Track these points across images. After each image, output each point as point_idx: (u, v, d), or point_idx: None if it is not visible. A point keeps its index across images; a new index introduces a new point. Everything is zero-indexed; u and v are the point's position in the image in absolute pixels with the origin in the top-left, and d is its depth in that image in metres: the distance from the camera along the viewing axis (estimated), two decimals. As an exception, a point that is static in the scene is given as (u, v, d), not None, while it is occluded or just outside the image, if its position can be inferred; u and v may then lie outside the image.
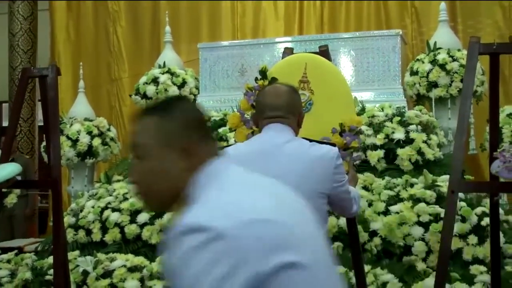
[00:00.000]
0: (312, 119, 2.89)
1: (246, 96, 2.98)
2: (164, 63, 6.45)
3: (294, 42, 5.87)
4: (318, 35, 6.64)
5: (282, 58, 3.10)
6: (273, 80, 2.94)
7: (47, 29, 9.92)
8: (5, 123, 10.85)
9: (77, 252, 4.14)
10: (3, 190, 3.94)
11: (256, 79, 2.98)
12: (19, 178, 5.53)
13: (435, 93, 5.25)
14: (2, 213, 5.27)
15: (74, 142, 5.55)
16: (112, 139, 5.81)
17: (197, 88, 6.24)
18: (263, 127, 2.27)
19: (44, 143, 6.07)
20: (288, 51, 3.14)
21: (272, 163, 2.07)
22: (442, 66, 5.23)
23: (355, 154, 2.90)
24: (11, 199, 5.24)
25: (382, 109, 4.93)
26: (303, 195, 1.70)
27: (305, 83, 2.94)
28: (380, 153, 4.51)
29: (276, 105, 2.26)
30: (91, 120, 5.88)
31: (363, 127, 4.64)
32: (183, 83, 6.20)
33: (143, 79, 6.35)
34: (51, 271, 3.76)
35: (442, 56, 5.27)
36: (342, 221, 3.75)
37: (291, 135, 2.24)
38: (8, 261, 4.18)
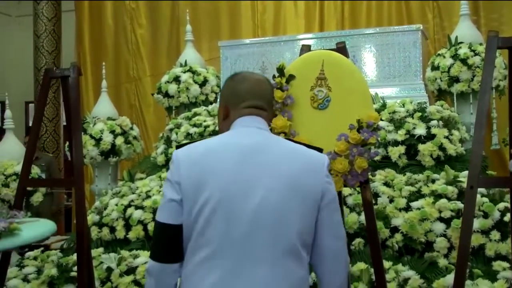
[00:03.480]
0: (329, 116, 2.90)
1: (265, 93, 3.00)
2: (186, 61, 6.49)
3: (315, 39, 5.88)
4: (338, 32, 6.64)
5: (300, 55, 3.11)
6: (291, 77, 2.96)
7: (71, 30, 10.05)
8: (31, 123, 11.01)
9: (101, 249, 4.20)
10: (29, 188, 4.02)
11: (273, 76, 3.00)
12: (43, 175, 5.63)
13: (456, 88, 5.22)
14: (29, 211, 5.36)
15: (98, 141, 5.62)
16: (135, 137, 5.87)
17: (218, 86, 6.28)
18: (239, 117, 1.99)
19: (68, 143, 6.17)
20: (305, 48, 3.14)
21: (258, 162, 1.85)
22: (464, 61, 5.20)
23: (373, 151, 2.90)
24: (37, 197, 5.33)
25: (403, 105, 4.92)
26: (289, 200, 1.81)
27: (323, 80, 2.95)
28: (401, 149, 4.51)
29: (257, 93, 2.02)
30: (114, 119, 5.95)
31: (384, 123, 4.64)
32: (205, 82, 6.25)
33: (165, 77, 6.41)
34: (76, 268, 3.83)
35: (463, 51, 5.24)
36: (363, 217, 3.76)
37: (268, 131, 2.01)
38: (35, 258, 4.25)
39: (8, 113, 5.93)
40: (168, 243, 1.85)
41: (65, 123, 3.48)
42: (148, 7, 9.13)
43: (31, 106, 11.44)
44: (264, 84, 2.05)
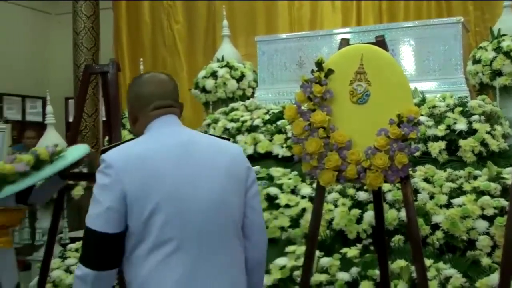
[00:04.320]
0: (369, 110, 2.87)
1: (303, 88, 2.98)
2: (223, 57, 6.50)
3: (352, 33, 5.83)
4: (376, 26, 6.57)
5: (339, 49, 3.08)
6: (330, 71, 2.94)
7: (108, 27, 10.16)
8: (71, 119, 11.21)
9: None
10: (70, 182, 4.07)
11: (312, 71, 2.97)
12: (85, 170, 5.71)
13: (499, 81, 5.11)
14: (70, 204, 5.44)
15: (137, 136, 5.65)
16: (173, 133, 5.91)
17: (255, 81, 6.28)
18: (152, 120, 2.04)
19: (107, 138, 6.24)
20: (344, 42, 3.11)
21: (197, 157, 1.97)
22: (507, 54, 5.08)
23: (413, 146, 2.86)
24: (78, 191, 5.41)
25: (444, 99, 4.84)
26: (227, 190, 1.98)
27: (362, 74, 2.92)
28: (442, 144, 4.43)
29: (164, 93, 2.08)
30: (152, 115, 6.00)
31: (424, 118, 4.57)
32: (242, 77, 6.25)
33: (202, 73, 6.43)
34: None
35: (506, 43, 5.12)
36: (403, 213, 3.72)
37: (185, 127, 2.10)
38: (76, 250, 4.32)
39: (49, 108, 6.04)
40: (106, 251, 1.88)
41: (104, 119, 3.53)
42: (184, 3, 9.18)
43: (71, 102, 11.61)
44: (167, 83, 2.11)
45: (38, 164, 2.94)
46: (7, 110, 11.95)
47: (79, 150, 3.23)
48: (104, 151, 1.97)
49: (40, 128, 7.97)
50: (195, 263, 1.88)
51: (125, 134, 5.52)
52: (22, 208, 3.18)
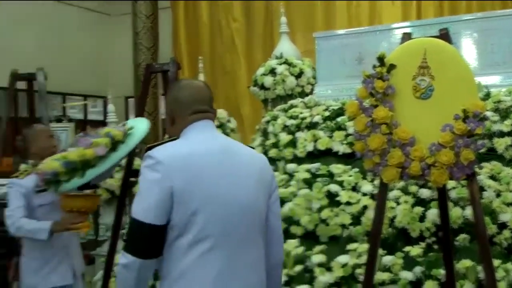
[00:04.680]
0: (432, 105, 2.82)
1: (364, 84, 2.95)
2: (281, 54, 6.49)
3: (412, 27, 5.71)
4: (437, 19, 6.42)
5: (401, 44, 3.03)
6: (392, 67, 2.90)
7: (167, 27, 10.30)
8: (131, 117, 11.41)
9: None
10: (132, 179, 4.16)
11: (374, 66, 2.94)
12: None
13: None
14: (132, 201, 5.55)
15: (196, 134, 5.70)
16: (232, 130, 5.94)
17: (314, 78, 6.24)
18: (190, 123, 2.20)
19: (166, 135, 6.32)
20: (406, 37, 3.06)
21: (234, 163, 2.16)
22: None
23: (479, 142, 2.78)
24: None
25: (509, 94, 4.69)
26: (259, 192, 2.18)
27: (425, 68, 2.87)
28: (508, 140, 4.30)
29: (201, 99, 2.24)
30: (211, 112, 6.04)
31: (489, 113, 4.45)
32: (301, 73, 6.23)
33: (261, 70, 6.44)
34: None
35: None
36: (468, 211, 3.64)
37: (219, 133, 2.32)
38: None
39: (110, 107, 6.17)
40: (152, 241, 2.04)
41: (163, 117, 3.58)
42: (242, 2, 9.21)
43: (131, 101, 11.84)
44: (204, 90, 2.28)
45: (115, 145, 3.02)
46: (69, 109, 12.28)
47: (142, 124, 3.31)
48: (149, 149, 2.13)
49: (101, 126, 8.15)
50: (230, 260, 2.06)
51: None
52: (98, 193, 3.28)
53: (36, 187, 3.50)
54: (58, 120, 9.38)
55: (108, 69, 12.53)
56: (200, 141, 2.15)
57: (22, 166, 5.69)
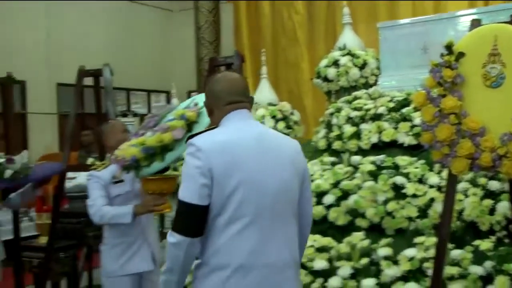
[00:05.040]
0: (504, 94, 2.74)
1: (432, 73, 2.90)
2: (344, 45, 6.43)
3: (480, 14, 5.55)
4: (506, 4, 6.21)
5: (469, 31, 2.95)
6: (460, 55, 2.83)
7: (228, 20, 10.36)
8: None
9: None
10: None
11: (441, 54, 2.87)
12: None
13: None
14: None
15: (259, 126, 5.72)
16: (295, 122, 5.93)
17: (378, 68, 6.16)
18: (227, 113, 2.36)
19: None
20: (475, 23, 2.98)
21: (268, 149, 2.30)
22: None
23: (555, 132, 2.68)
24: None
25: None
26: (293, 175, 2.32)
27: (496, 55, 2.78)
28: None
29: (235, 90, 2.39)
30: (274, 105, 6.05)
31: None
32: (364, 64, 6.16)
33: (324, 62, 6.39)
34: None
35: None
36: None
37: (255, 120, 2.44)
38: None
39: (174, 101, 6.25)
40: (199, 221, 2.23)
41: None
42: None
43: (193, 95, 11.98)
44: (238, 81, 2.43)
45: (190, 126, 3.05)
46: (133, 104, 12.55)
47: (206, 118, 3.34)
48: (190, 137, 2.32)
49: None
50: (265, 236, 2.23)
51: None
52: (175, 175, 3.35)
53: (113, 179, 3.62)
54: (124, 115, 9.61)
55: (171, 64, 12.71)
56: (236, 129, 2.32)
57: (90, 160, 5.88)
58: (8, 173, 3.45)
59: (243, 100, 2.39)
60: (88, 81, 4.52)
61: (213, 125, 2.44)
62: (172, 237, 2.24)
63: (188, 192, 2.22)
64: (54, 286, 5.17)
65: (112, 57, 6.86)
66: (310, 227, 2.53)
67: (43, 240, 4.99)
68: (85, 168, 4.98)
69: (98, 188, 3.64)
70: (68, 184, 5.38)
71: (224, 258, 2.21)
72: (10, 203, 3.97)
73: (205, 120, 3.12)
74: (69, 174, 5.11)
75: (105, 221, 3.57)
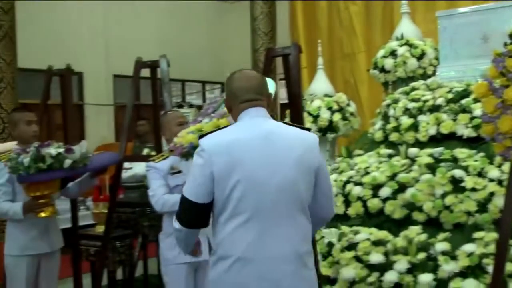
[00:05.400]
0: None
1: (494, 63, 2.80)
2: (402, 35, 6.31)
3: (543, 2, 5.34)
4: None
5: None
6: (524, 44, 2.72)
7: (284, 11, 10.32)
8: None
9: (321, 224, 4.26)
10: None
11: (505, 44, 2.77)
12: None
13: None
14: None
15: (315, 117, 5.70)
16: (351, 114, 5.87)
17: (437, 59, 6.01)
18: (242, 111, 2.47)
19: (286, 119, 6.35)
20: (540, 12, 2.87)
21: (274, 147, 2.38)
22: None
23: None
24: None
25: None
26: (299, 173, 2.39)
27: None
28: None
29: (250, 88, 2.47)
30: (330, 96, 5.99)
31: None
32: (422, 55, 6.02)
33: (381, 52, 6.28)
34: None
35: None
36: None
37: (270, 117, 2.50)
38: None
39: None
40: (195, 216, 2.42)
41: (282, 102, 3.58)
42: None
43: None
44: (253, 79, 2.50)
45: None
46: (188, 95, 12.66)
47: (269, 86, 3.33)
48: (201, 137, 2.43)
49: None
50: (264, 231, 2.34)
51: (304, 115, 5.57)
52: None
53: (171, 170, 3.66)
54: (179, 106, 9.70)
55: (226, 55, 12.77)
56: (246, 127, 2.44)
57: (145, 151, 5.96)
58: (67, 162, 3.50)
59: (259, 98, 2.48)
60: (144, 72, 4.56)
61: (233, 122, 2.55)
62: (175, 223, 2.48)
63: (189, 189, 2.40)
64: (110, 274, 5.26)
65: (168, 48, 6.91)
66: (327, 218, 2.68)
67: (100, 229, 5.09)
68: (142, 158, 5.05)
69: (158, 178, 3.69)
70: (124, 174, 5.47)
71: (226, 250, 2.37)
72: (68, 192, 4.05)
73: None
74: (125, 165, 5.19)
75: (166, 209, 3.62)
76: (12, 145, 3.92)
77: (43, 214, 3.69)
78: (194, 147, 3.08)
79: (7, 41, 6.08)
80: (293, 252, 2.38)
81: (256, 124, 2.44)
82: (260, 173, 2.35)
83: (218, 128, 2.61)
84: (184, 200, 2.42)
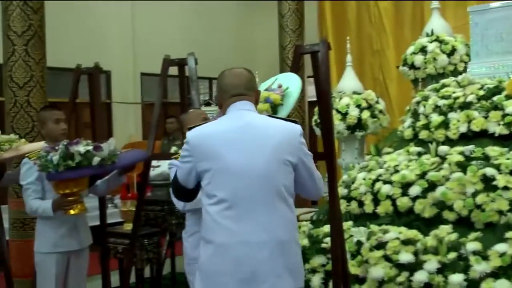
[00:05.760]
0: None
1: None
2: (432, 31, 6.21)
3: None
4: None
5: None
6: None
7: (312, 8, 10.26)
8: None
9: (350, 223, 4.22)
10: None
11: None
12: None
13: None
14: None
15: (344, 115, 5.65)
16: (380, 111, 5.81)
17: (467, 55, 5.92)
18: (229, 105, 2.63)
19: (315, 117, 6.31)
20: None
21: (251, 137, 2.51)
22: None
23: None
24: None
25: None
26: (275, 162, 2.49)
27: None
28: None
29: (239, 84, 2.64)
30: (359, 93, 5.94)
31: None
32: (453, 51, 5.93)
33: (410, 49, 6.20)
34: (327, 240, 3.90)
35: None
36: None
37: (255, 111, 2.65)
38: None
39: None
40: (185, 195, 2.78)
41: (309, 99, 3.55)
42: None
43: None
44: (240, 76, 2.67)
45: (274, 109, 3.18)
46: (215, 93, 12.66)
47: (295, 81, 3.33)
48: (190, 129, 2.61)
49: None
50: (241, 218, 2.46)
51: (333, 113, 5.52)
52: None
53: None
54: (207, 103, 9.71)
55: (254, 53, 12.74)
56: (229, 118, 2.61)
57: (173, 149, 5.96)
58: (96, 160, 3.51)
59: (246, 93, 2.64)
60: (172, 70, 4.56)
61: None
62: (171, 192, 2.88)
63: (179, 174, 2.68)
64: (138, 272, 5.29)
65: (195, 46, 6.91)
66: (316, 196, 2.76)
67: (128, 227, 5.11)
68: (169, 156, 5.04)
69: None
70: (152, 172, 5.48)
71: (209, 234, 2.53)
72: (96, 190, 4.07)
73: (290, 101, 3.11)
74: (153, 163, 5.21)
75: (187, 208, 3.60)
76: (41, 144, 3.95)
77: (72, 212, 3.71)
78: None
79: (36, 40, 6.13)
80: (271, 239, 2.46)
81: (239, 116, 2.59)
82: (237, 162, 2.49)
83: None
84: (175, 179, 2.71)
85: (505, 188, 3.89)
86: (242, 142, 2.51)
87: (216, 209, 2.50)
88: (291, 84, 3.28)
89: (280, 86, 3.20)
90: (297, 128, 2.60)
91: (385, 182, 4.38)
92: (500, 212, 3.84)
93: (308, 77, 7.70)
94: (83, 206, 3.77)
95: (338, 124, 5.66)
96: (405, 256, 3.63)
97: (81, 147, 3.48)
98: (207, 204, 2.54)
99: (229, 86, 2.66)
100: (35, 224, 3.97)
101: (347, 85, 6.16)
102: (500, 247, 3.51)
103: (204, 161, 2.53)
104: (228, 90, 2.65)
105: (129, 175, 4.56)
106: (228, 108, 2.64)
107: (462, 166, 4.14)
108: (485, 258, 3.49)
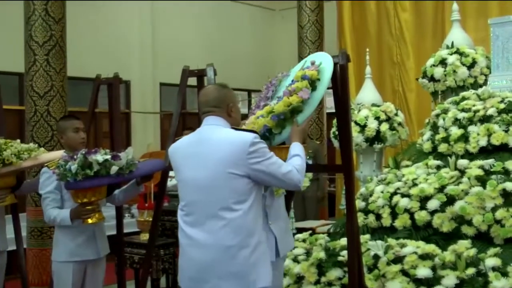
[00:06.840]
0: None
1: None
2: (452, 43, 6.16)
3: None
4: None
5: None
6: None
7: (331, 19, 10.26)
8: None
9: (367, 236, 4.19)
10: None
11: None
12: (309, 162, 5.81)
13: None
14: (296, 195, 5.58)
15: (362, 127, 5.62)
16: (399, 124, 5.76)
17: (488, 67, 5.86)
18: (202, 120, 2.92)
19: (333, 129, 6.29)
20: None
21: (201, 151, 2.80)
22: None
23: None
24: (304, 182, 5.51)
25: None
26: (218, 175, 2.73)
27: None
28: None
29: (205, 102, 2.93)
30: (378, 106, 5.90)
31: None
32: (473, 63, 5.86)
33: (430, 61, 6.15)
34: (343, 253, 3.87)
35: None
36: None
37: (219, 126, 2.85)
38: (303, 241, 4.40)
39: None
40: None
41: (328, 111, 3.52)
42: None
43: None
44: (208, 94, 2.95)
45: (313, 84, 3.15)
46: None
47: (326, 57, 3.30)
48: (174, 141, 2.98)
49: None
50: (194, 226, 2.80)
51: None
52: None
53: None
54: (226, 113, 9.72)
55: (272, 63, 12.76)
56: (192, 135, 2.93)
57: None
58: (114, 169, 3.53)
59: (213, 110, 2.88)
60: (191, 81, 4.57)
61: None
62: None
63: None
64: (154, 282, 5.29)
65: (214, 57, 6.94)
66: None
67: (144, 237, 5.11)
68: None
69: None
70: (169, 182, 5.48)
71: (179, 236, 2.92)
72: (114, 199, 4.09)
73: (326, 76, 3.11)
74: (170, 173, 5.21)
75: None
76: (60, 153, 3.97)
77: (90, 221, 3.72)
78: (269, 129, 3.11)
79: (57, 50, 6.20)
80: (215, 245, 2.73)
81: (199, 131, 2.91)
82: (189, 176, 2.83)
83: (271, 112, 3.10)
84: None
85: (526, 203, 3.84)
86: (194, 157, 2.82)
87: (181, 214, 2.88)
88: (323, 60, 3.26)
89: (313, 63, 3.21)
90: (247, 139, 2.73)
91: (403, 195, 4.35)
92: (521, 228, 3.79)
93: (327, 88, 7.68)
94: (101, 215, 3.79)
95: (357, 136, 5.63)
96: (423, 271, 3.59)
97: (99, 156, 3.49)
98: (178, 209, 2.92)
99: (200, 104, 2.97)
100: (52, 233, 3.99)
101: (366, 97, 6.12)
102: (522, 263, 3.46)
103: (175, 171, 2.95)
104: (200, 108, 2.96)
105: (147, 185, 4.57)
106: (202, 123, 2.93)
107: (482, 180, 4.10)
108: (505, 274, 3.45)
